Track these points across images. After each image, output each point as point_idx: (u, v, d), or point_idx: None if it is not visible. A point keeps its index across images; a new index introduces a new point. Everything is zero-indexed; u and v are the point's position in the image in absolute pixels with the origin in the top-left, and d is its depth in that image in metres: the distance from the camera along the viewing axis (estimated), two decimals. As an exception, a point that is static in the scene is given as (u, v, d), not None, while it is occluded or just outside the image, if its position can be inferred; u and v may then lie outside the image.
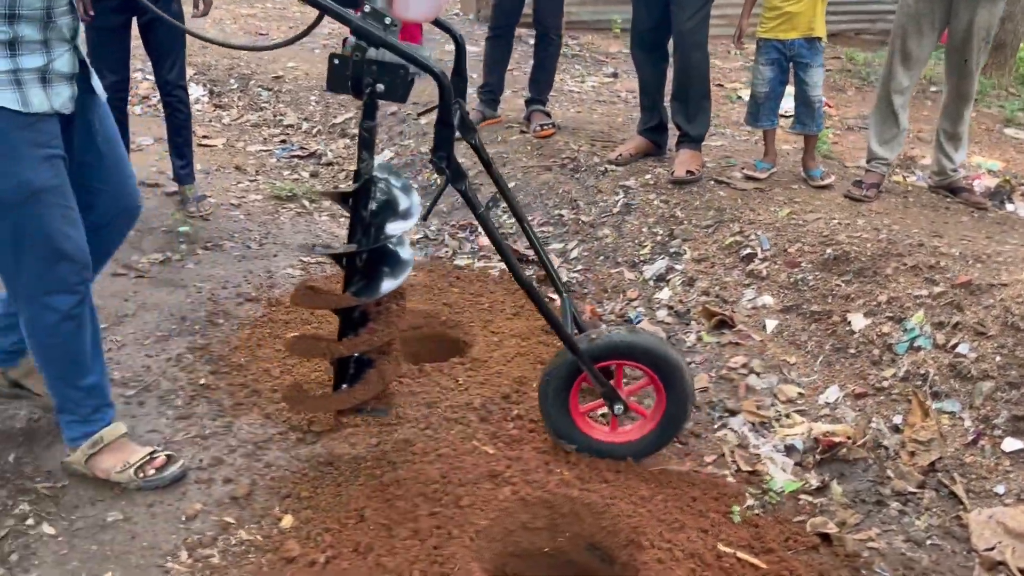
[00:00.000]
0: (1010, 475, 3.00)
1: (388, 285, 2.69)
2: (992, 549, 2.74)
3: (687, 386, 2.93)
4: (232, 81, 7.81)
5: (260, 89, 7.70)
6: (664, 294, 4.27)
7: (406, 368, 3.59)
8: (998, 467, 3.04)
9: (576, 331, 3.05)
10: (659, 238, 4.66)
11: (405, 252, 2.80)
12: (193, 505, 2.78)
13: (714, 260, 4.38)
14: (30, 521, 2.68)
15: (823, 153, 5.98)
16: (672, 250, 4.53)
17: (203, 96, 7.47)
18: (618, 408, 2.97)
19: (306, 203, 5.58)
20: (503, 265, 4.48)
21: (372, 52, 2.42)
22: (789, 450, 3.24)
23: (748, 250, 4.34)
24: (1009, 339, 3.39)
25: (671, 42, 5.16)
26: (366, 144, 2.54)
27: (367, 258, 2.67)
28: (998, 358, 3.35)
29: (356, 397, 2.79)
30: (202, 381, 3.50)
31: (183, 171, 5.16)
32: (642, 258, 4.56)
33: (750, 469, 3.13)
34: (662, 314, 4.14)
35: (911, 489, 3.00)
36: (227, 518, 2.74)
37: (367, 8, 2.43)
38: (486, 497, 2.74)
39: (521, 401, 3.42)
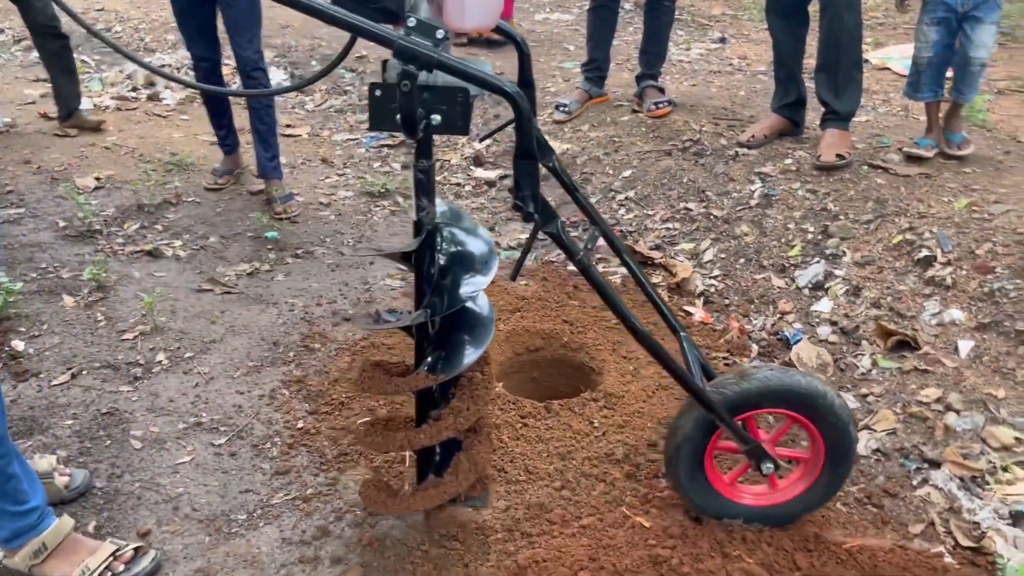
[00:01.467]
0: None
1: (470, 356, 2.16)
2: None
3: (836, 408, 2.32)
4: (314, 63, 7.37)
5: (343, 71, 7.23)
6: (824, 306, 3.62)
7: (530, 407, 3.07)
8: None
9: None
10: (810, 236, 3.99)
11: (485, 309, 2.25)
12: (298, 595, 2.34)
13: (881, 263, 3.71)
14: (111, 617, 2.27)
15: (976, 123, 5.16)
16: (828, 251, 3.86)
17: (284, 80, 7.05)
18: (767, 467, 2.39)
19: (400, 200, 5.09)
20: (622, 269, 3.91)
21: (423, 76, 1.85)
22: (1016, 518, 2.60)
23: (924, 251, 3.64)
24: None
25: (812, 4, 4.46)
26: (424, 188, 2.00)
27: (441, 324, 2.16)
28: None
29: (447, 491, 2.29)
30: (300, 424, 3.05)
31: (270, 164, 4.73)
32: (792, 261, 3.91)
33: (972, 545, 2.50)
34: (824, 331, 3.51)
35: None
36: (339, 613, 2.28)
37: (411, 21, 1.85)
38: (654, 597, 2.20)
39: (672, 449, 2.86)
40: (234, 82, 6.34)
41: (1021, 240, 3.52)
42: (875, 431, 2.99)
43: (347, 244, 4.52)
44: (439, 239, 2.08)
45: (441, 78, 1.88)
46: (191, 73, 5.17)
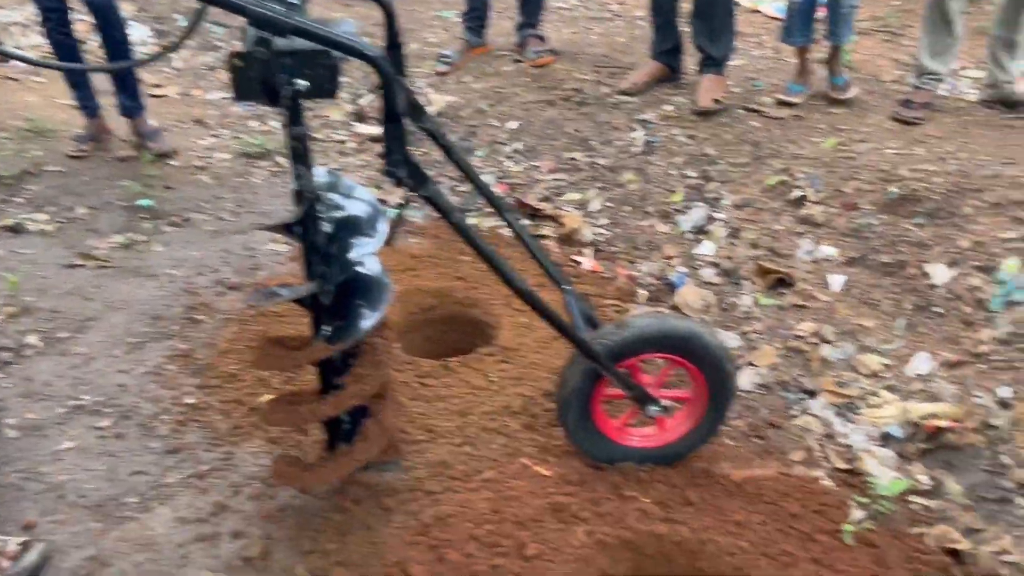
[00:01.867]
0: None
1: (368, 321, 2.14)
2: None
3: (713, 348, 2.43)
4: (177, 16, 6.97)
5: (211, 25, 6.88)
6: (706, 249, 3.75)
7: (428, 366, 3.07)
8: None
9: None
10: (691, 181, 4.11)
11: (378, 272, 2.22)
12: (200, 574, 2.29)
13: (759, 205, 3.86)
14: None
15: (842, 64, 5.38)
16: (709, 195, 3.99)
17: (149, 38, 6.65)
18: (653, 410, 2.48)
19: (280, 160, 4.92)
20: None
21: (281, 42, 1.77)
22: (886, 439, 2.79)
23: (797, 191, 3.81)
24: (1123, 288, 2.94)
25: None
26: (300, 157, 1.92)
27: (336, 292, 2.13)
28: (1113, 311, 2.90)
29: (358, 458, 2.29)
30: (189, 400, 2.96)
31: (131, 104, 4.52)
32: (675, 207, 4.02)
33: (847, 467, 2.68)
34: (707, 273, 3.63)
35: (1036, 479, 2.58)
36: (242, 587, 2.25)
37: None
38: (555, 542, 2.26)
39: (567, 398, 2.93)
40: (91, 37, 5.95)
41: (884, 177, 3.72)
42: (757, 366, 3.13)
43: (227, 209, 4.35)
44: (321, 208, 2.02)
45: (302, 42, 1.80)
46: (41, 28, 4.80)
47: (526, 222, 4.06)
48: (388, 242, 2.10)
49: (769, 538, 2.31)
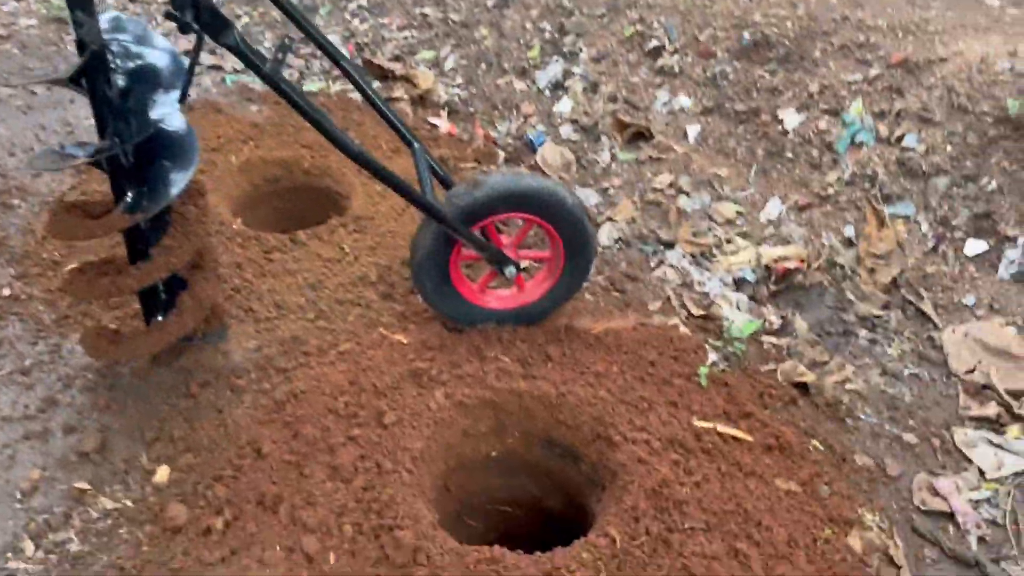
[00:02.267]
0: (977, 282, 2.73)
1: (176, 185, 1.95)
2: (973, 371, 2.50)
3: (570, 206, 2.36)
4: None
5: None
6: (564, 106, 3.64)
7: (274, 240, 2.88)
8: (963, 275, 2.76)
9: (441, 184, 2.47)
10: (548, 35, 3.94)
11: (183, 130, 2.01)
12: (29, 473, 2.11)
13: (616, 58, 3.75)
14: None
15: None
16: (566, 49, 3.84)
17: None
18: (510, 271, 2.43)
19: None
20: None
21: None
22: (739, 284, 2.84)
23: (654, 42, 3.72)
24: (958, 124, 3.04)
25: None
26: (79, 2, 1.67)
27: (137, 154, 1.91)
28: (949, 148, 3.00)
29: (173, 331, 2.13)
30: (6, 292, 2.67)
31: None
32: (532, 63, 3.86)
33: (702, 313, 2.72)
34: (566, 131, 3.54)
35: (876, 312, 2.69)
36: (79, 483, 2.09)
37: None
38: (415, 408, 2.20)
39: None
40: None
41: (738, 23, 3.67)
42: (616, 221, 3.11)
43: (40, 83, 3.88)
44: (111, 57, 1.76)
45: None
46: None
47: (377, 84, 3.82)
48: (182, 99, 1.86)
49: (628, 386, 2.32)
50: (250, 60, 1.81)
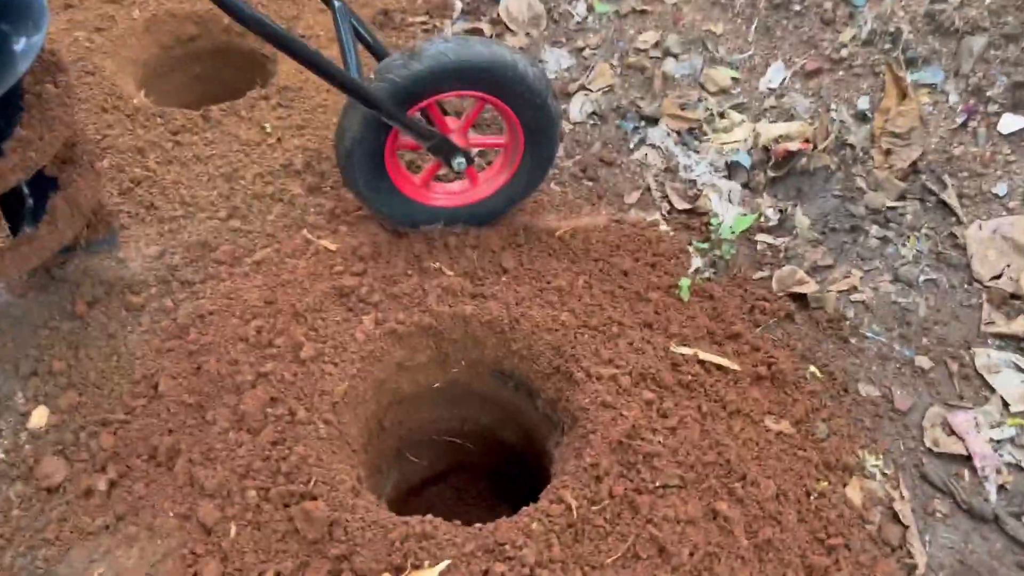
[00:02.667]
0: (1012, 167, 2.32)
1: (23, 58, 1.51)
2: (999, 277, 2.14)
3: (531, 81, 1.91)
4: None
5: None
6: (534, -56, 3.05)
7: (183, 118, 2.42)
8: (995, 158, 2.35)
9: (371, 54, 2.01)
10: None
11: None
12: None
13: None
14: None
15: None
16: None
17: None
18: (459, 163, 2.00)
19: None
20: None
21: None
22: (732, 169, 2.43)
23: None
24: (1001, -29, 2.52)
25: None
26: None
27: None
28: (988, 0, 2.51)
29: (48, 243, 1.74)
30: None
31: None
32: None
33: (687, 207, 2.32)
34: (535, -24, 2.98)
35: (890, 203, 2.30)
36: (-60, 431, 1.76)
37: None
38: (338, 338, 1.84)
39: (362, 147, 2.39)
40: None
41: None
42: (591, 91, 2.64)
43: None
44: None
45: None
46: None
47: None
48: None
49: (595, 304, 1.96)
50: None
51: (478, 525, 1.55)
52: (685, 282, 2.05)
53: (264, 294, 1.97)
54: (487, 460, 2.13)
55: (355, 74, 1.80)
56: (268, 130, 2.42)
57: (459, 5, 2.93)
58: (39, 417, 1.79)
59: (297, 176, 2.30)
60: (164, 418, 1.75)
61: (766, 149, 2.42)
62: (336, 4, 1.92)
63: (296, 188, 2.27)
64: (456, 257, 2.05)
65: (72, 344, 1.91)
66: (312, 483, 1.56)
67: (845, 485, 1.75)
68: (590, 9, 2.87)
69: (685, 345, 1.91)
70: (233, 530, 1.55)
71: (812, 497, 1.70)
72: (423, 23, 2.85)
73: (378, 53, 2.01)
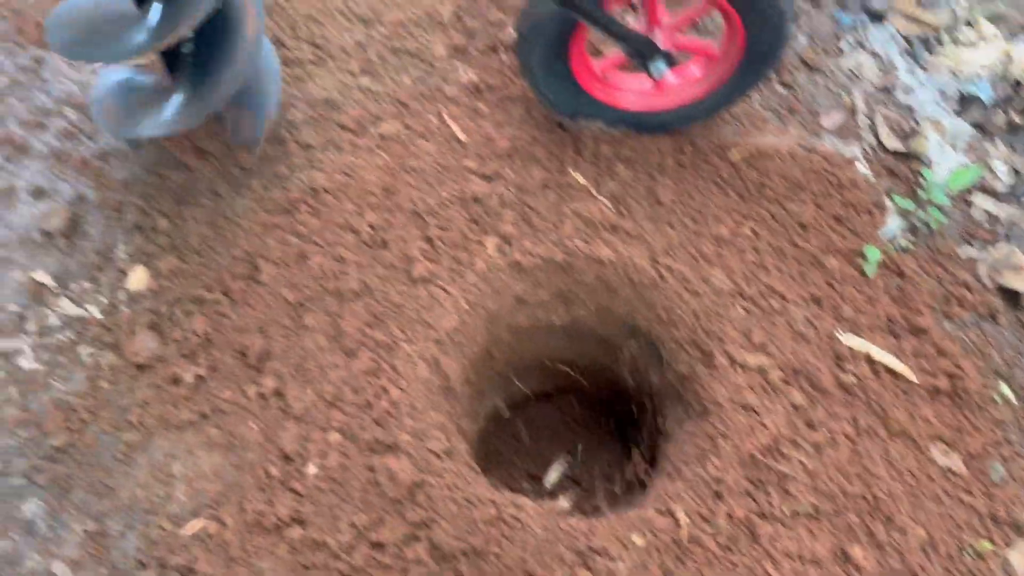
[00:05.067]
0: None
1: None
2: None
3: (782, 19, 1.56)
4: None
5: None
6: None
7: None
8: None
9: None
10: None
11: None
12: (-19, 252, 1.71)
13: None
14: None
15: None
16: None
17: None
18: (658, 69, 1.64)
19: None
20: None
21: None
22: (966, 102, 1.95)
23: None
24: None
25: None
26: None
27: None
28: None
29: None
30: (-15, -32, 2.07)
31: None
32: None
33: (897, 148, 1.90)
34: None
35: None
36: (39, 275, 1.68)
37: None
38: (457, 260, 1.62)
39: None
40: None
41: None
42: (810, -36, 2.14)
43: None
44: None
45: None
46: None
47: None
48: None
49: (757, 263, 1.65)
50: None
51: (574, 520, 1.38)
52: (873, 253, 1.70)
53: (384, 179, 1.74)
54: (596, 391, 1.94)
55: None
56: (418, -36, 2.07)
57: None
58: (138, 278, 1.68)
59: (442, 30, 1.99)
60: (260, 311, 1.61)
61: (1018, 84, 1.92)
62: None
63: (439, 46, 1.96)
64: (604, 172, 1.75)
65: (178, 198, 1.76)
66: (401, 437, 1.41)
67: (1010, 546, 1.48)
68: None
69: (855, 335, 1.60)
70: (312, 469, 1.43)
71: (966, 555, 1.45)
72: None
73: None
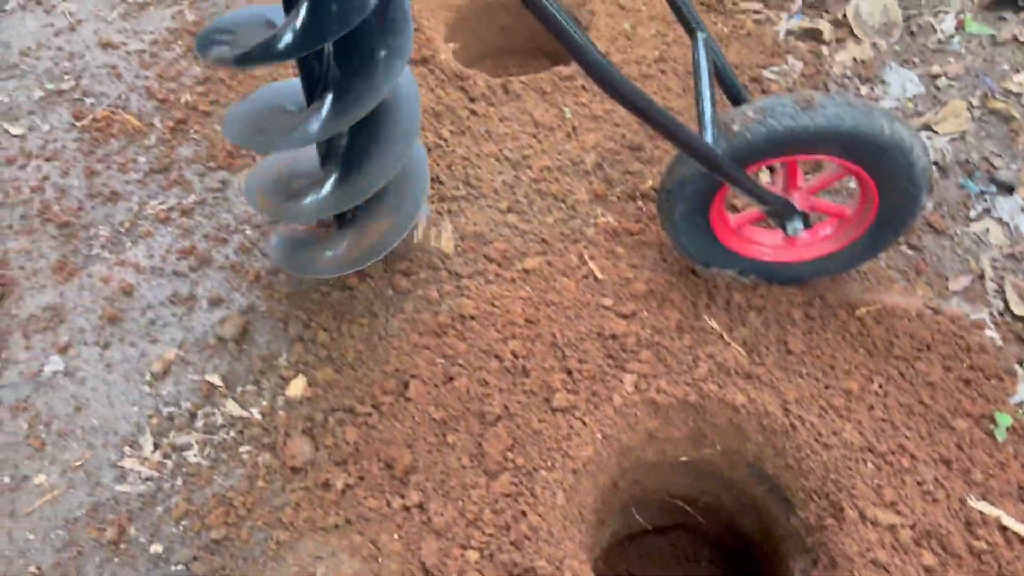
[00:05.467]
0: None
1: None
2: None
3: (917, 172, 1.64)
4: None
5: None
6: (908, -68, 2.60)
7: (483, 85, 2.32)
8: None
9: (726, 95, 1.75)
10: None
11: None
12: (165, 352, 1.89)
13: None
14: (-59, 370, 1.88)
15: None
16: None
17: None
18: (794, 228, 1.75)
19: None
20: None
21: None
22: (1097, 276, 1.99)
23: None
24: None
25: None
26: None
27: None
28: None
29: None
30: (187, 98, 2.37)
31: None
32: None
33: (1027, 314, 1.94)
34: (900, -28, 2.55)
35: None
36: (212, 377, 1.85)
37: None
38: (594, 393, 1.72)
39: (659, 156, 2.19)
40: None
41: None
42: (936, 133, 2.25)
43: None
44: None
45: None
46: None
47: None
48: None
49: (886, 420, 1.69)
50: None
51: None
52: (1004, 419, 1.72)
53: (527, 310, 1.88)
54: (713, 531, 1.97)
55: (708, 119, 1.57)
56: (566, 115, 2.27)
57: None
58: (297, 386, 1.84)
59: (585, 177, 2.15)
60: (408, 426, 1.73)
61: None
62: (700, 36, 1.68)
63: (581, 192, 2.12)
64: (737, 320, 1.84)
65: (337, 314, 1.93)
66: (538, 561, 1.49)
67: None
68: (959, 27, 2.42)
69: (987, 501, 1.62)
70: (451, 582, 1.51)
71: None
72: (756, 12, 2.53)
73: (736, 96, 1.77)
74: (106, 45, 2.49)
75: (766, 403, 1.68)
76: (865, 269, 1.99)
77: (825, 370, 1.77)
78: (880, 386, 1.75)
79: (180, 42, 2.50)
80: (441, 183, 2.15)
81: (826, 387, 1.74)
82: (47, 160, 2.23)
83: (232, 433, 1.78)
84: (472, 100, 2.30)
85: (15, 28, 2.53)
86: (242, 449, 1.76)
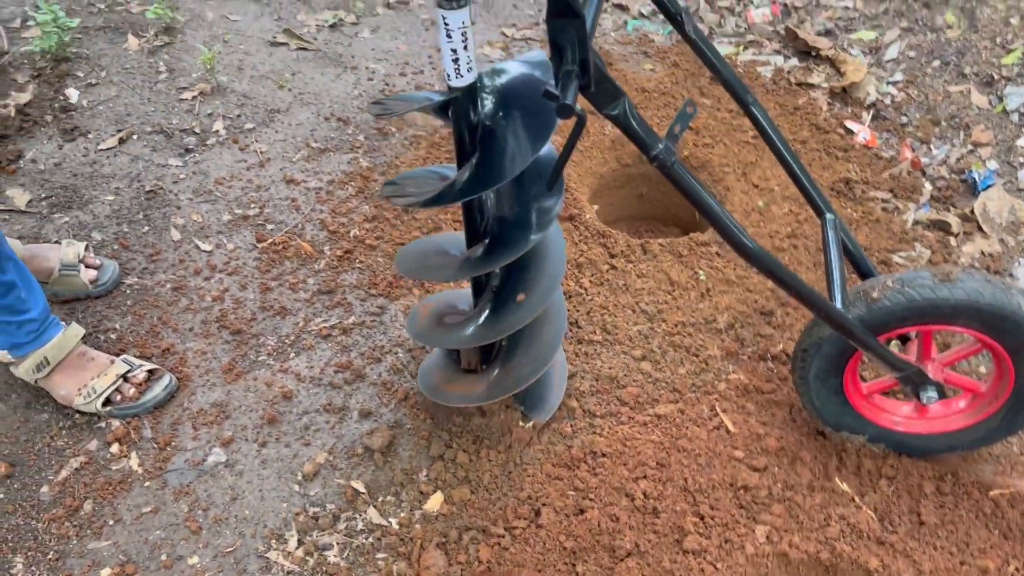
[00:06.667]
0: None
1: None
2: None
3: None
4: None
5: None
6: (1036, 140, 2.76)
7: (623, 243, 2.51)
8: None
9: (855, 271, 1.87)
10: (1039, 37, 3.00)
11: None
12: (316, 455, 2.04)
13: None
14: (114, 449, 2.06)
15: None
16: (1059, 62, 2.89)
17: None
18: (929, 397, 1.80)
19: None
20: (778, 59, 3.11)
21: None
22: None
23: None
24: None
25: None
26: None
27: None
28: None
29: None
30: (356, 232, 2.63)
31: None
32: (1005, 72, 2.97)
33: None
34: (1028, 176, 2.68)
35: None
36: (356, 483, 1.98)
37: None
38: (725, 540, 1.76)
39: (790, 323, 2.30)
40: None
41: None
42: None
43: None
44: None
45: None
46: None
47: (793, 62, 3.19)
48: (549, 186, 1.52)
49: (1025, 606, 1.67)
50: (638, 139, 1.40)
51: None
52: None
53: (659, 454, 1.96)
54: None
55: (838, 294, 1.69)
56: (700, 277, 2.42)
57: (928, 189, 2.72)
58: (434, 502, 1.94)
59: (717, 335, 2.27)
60: (539, 552, 1.79)
61: None
62: (828, 216, 1.84)
63: (714, 348, 2.24)
64: (868, 485, 1.87)
65: (476, 438, 2.05)
66: None
67: None
68: (1090, 231, 2.51)
69: None
70: None
71: None
72: (884, 200, 2.69)
73: (862, 269, 1.90)
74: (289, 181, 2.82)
75: (900, 570, 1.68)
76: (996, 450, 2.01)
77: (960, 545, 1.77)
78: (1016, 569, 1.74)
79: (353, 183, 2.81)
80: (579, 327, 2.31)
81: (961, 563, 1.73)
82: (229, 274, 2.49)
83: (371, 539, 1.88)
84: (612, 256, 2.49)
85: (213, 160, 2.89)
86: (379, 556, 1.85)
